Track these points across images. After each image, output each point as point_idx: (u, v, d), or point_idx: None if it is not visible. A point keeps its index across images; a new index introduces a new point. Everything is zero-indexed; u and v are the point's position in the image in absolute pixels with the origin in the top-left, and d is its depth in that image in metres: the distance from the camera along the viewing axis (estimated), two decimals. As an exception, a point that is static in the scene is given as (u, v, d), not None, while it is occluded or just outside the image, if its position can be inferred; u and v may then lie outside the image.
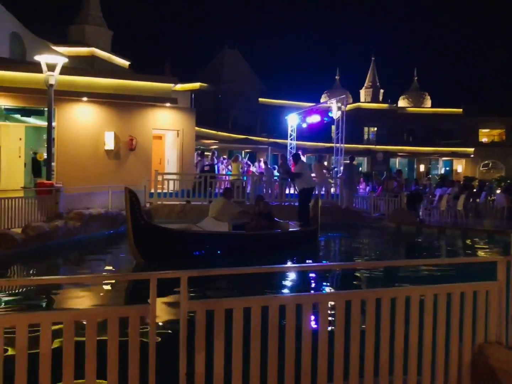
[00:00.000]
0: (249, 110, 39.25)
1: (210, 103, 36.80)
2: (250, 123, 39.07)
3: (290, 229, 10.99)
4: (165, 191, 15.21)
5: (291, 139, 23.15)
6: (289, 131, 23.16)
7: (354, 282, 7.89)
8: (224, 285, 7.37)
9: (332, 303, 2.99)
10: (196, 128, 20.11)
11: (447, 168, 42.92)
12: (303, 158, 17.33)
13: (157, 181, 15.04)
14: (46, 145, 17.93)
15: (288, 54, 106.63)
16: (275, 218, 11.01)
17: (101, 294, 6.91)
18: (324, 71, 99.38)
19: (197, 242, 9.36)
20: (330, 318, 3.05)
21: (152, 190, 15.14)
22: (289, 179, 13.89)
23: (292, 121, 22.83)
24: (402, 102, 46.66)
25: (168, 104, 17.82)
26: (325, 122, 21.13)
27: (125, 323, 2.56)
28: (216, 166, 19.62)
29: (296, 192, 14.08)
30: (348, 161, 17.74)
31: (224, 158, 24.34)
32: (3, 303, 6.13)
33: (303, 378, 2.84)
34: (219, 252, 9.36)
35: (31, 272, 8.37)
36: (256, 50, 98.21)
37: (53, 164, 14.80)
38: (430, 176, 39.51)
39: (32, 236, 9.58)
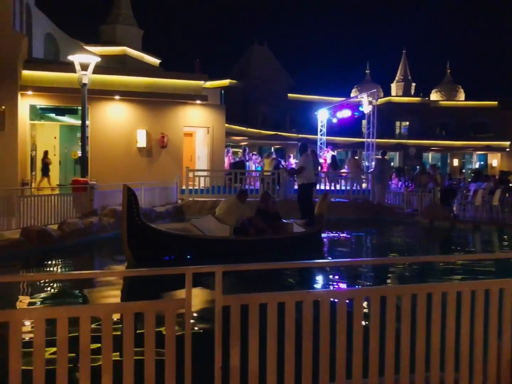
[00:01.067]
0: (279, 106, 39.17)
1: (239, 99, 36.90)
2: (280, 119, 38.99)
3: (294, 232, 10.03)
4: (196, 187, 15.36)
5: (321, 135, 23.02)
6: (319, 126, 23.03)
7: (388, 279, 7.80)
8: (248, 280, 7.32)
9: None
10: (226, 124, 20.21)
11: (482, 163, 41.89)
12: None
13: (188, 178, 15.20)
14: (80, 143, 18.44)
15: (317, 48, 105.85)
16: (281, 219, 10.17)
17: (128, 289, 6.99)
18: (354, 65, 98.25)
19: (194, 246, 8.53)
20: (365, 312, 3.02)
21: (184, 187, 15.32)
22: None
23: (322, 116, 22.69)
24: (434, 96, 45.74)
25: (198, 101, 17.96)
26: (356, 116, 20.93)
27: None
28: (246, 163, 19.67)
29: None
30: (380, 156, 17.53)
31: (253, 154, 24.37)
32: (43, 297, 6.30)
33: (338, 373, 2.82)
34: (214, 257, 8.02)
35: (66, 267, 8.59)
36: (285, 46, 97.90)
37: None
38: (464, 170, 38.67)
39: (68, 232, 9.80)
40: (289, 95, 41.28)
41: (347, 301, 2.88)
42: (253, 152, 26.86)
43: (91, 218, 10.70)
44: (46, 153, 17.21)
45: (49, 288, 6.78)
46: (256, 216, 9.71)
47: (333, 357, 2.84)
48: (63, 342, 2.43)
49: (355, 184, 17.19)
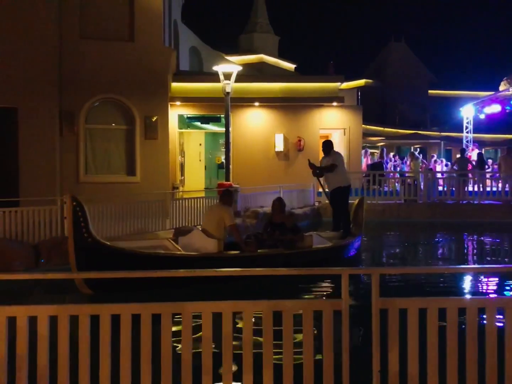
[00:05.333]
0: (418, 104, 37.46)
1: (376, 99, 36.02)
2: (419, 117, 37.25)
3: (313, 247, 8.04)
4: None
5: (466, 132, 21.54)
6: (464, 123, 21.58)
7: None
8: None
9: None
10: (362, 125, 19.86)
11: None
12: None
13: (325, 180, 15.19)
14: (222, 149, 19.44)
15: (460, 41, 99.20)
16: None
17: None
18: (502, 56, 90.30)
19: (164, 266, 6.33)
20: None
21: (320, 190, 15.33)
22: (315, 175, 10.25)
23: (467, 112, 21.23)
24: None
25: (334, 103, 17.90)
26: (507, 111, 19.22)
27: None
28: (384, 164, 19.13)
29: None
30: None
31: (394, 155, 23.62)
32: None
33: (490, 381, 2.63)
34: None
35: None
36: (424, 40, 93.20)
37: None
38: None
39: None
40: (430, 91, 39.26)
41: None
42: (391, 153, 26.04)
43: (235, 220, 11.22)
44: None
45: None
46: (266, 231, 7.99)
47: (482, 364, 2.64)
48: (228, 336, 2.58)
49: (506, 185, 15.76)
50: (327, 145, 9.97)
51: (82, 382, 2.56)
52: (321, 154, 18.56)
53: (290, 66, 28.74)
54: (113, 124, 14.64)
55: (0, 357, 2.53)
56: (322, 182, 10.61)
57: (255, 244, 7.55)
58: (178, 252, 7.13)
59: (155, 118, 14.65)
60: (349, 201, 10.03)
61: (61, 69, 13.33)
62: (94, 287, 6.20)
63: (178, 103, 16.91)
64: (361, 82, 36.92)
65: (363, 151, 19.86)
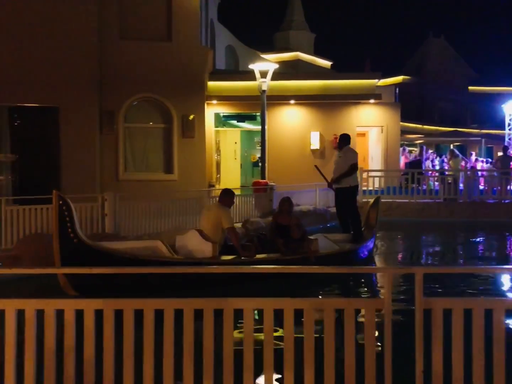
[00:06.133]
0: (457, 101, 36.58)
1: (414, 96, 35.35)
2: (459, 114, 36.39)
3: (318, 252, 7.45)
4: (370, 188, 15.14)
5: (509, 129, 20.90)
6: (506, 121, 20.96)
7: None
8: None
9: None
10: (400, 123, 19.53)
11: None
12: None
13: (362, 179, 15.04)
14: (257, 147, 19.47)
15: (501, 36, 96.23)
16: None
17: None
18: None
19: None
20: None
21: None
22: (329, 187, 9.53)
23: (510, 109, 20.60)
24: None
25: (372, 101, 17.67)
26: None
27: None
28: (423, 162, 18.77)
29: None
30: None
31: (432, 153, 23.14)
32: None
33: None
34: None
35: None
36: (464, 36, 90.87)
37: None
38: None
39: (251, 230, 10.43)
40: (470, 88, 38.28)
41: None
42: (430, 151, 25.54)
43: (270, 218, 11.22)
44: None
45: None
46: (271, 233, 7.60)
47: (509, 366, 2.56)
48: (269, 331, 2.59)
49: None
50: (343, 139, 9.41)
51: (126, 375, 2.62)
52: (358, 152, 18.44)
53: (326, 63, 28.55)
54: (151, 123, 14.88)
55: (50, 348, 2.61)
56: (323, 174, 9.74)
57: (254, 248, 7.07)
58: (167, 256, 6.70)
59: (192, 116, 14.81)
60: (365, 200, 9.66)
61: (101, 69, 13.64)
62: (79, 288, 5.87)
63: (214, 101, 17.03)
64: (399, 78, 36.29)
65: (400, 149, 19.53)
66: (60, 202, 5.81)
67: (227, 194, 7.53)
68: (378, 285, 7.13)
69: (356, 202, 9.21)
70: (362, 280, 7.35)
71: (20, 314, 2.67)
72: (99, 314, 2.64)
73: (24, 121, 13.37)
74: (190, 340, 2.60)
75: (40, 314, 2.65)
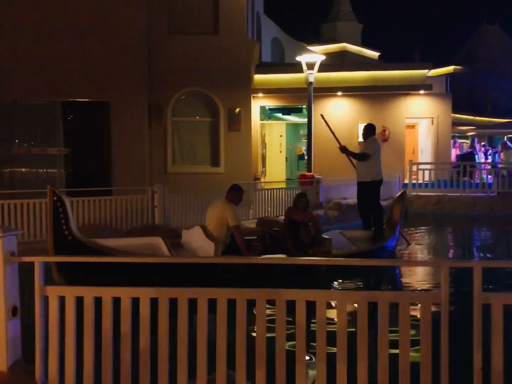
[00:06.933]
0: (512, 91, 35.08)
1: (465, 86, 34.16)
2: (513, 105, 34.88)
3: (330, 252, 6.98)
4: (420, 181, 14.79)
5: None
6: None
7: None
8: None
9: None
10: (452, 114, 18.93)
11: None
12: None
13: (412, 171, 14.72)
14: (303, 140, 19.36)
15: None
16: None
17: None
18: None
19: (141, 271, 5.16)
20: None
21: (406, 181, 14.90)
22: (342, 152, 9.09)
23: None
24: None
25: (422, 91, 17.21)
26: None
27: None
28: (476, 154, 18.16)
29: None
30: None
31: (483, 145, 22.34)
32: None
33: None
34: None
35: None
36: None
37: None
38: None
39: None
40: (527, 76, 36.62)
41: None
42: (482, 143, 24.67)
43: (317, 211, 11.16)
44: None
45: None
46: (285, 230, 7.19)
47: None
48: (322, 323, 2.57)
49: None
50: (367, 129, 9.06)
51: (180, 362, 2.66)
52: (407, 144, 18.03)
53: (374, 54, 28.02)
54: (198, 117, 15.04)
55: (107, 334, 2.70)
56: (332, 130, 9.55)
57: (260, 249, 6.73)
58: (166, 256, 6.25)
59: (238, 110, 14.87)
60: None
61: (150, 64, 13.89)
62: (72, 281, 5.38)
63: (260, 94, 17.01)
64: (449, 68, 35.14)
65: (451, 141, 18.95)
66: (55, 198, 5.53)
67: (234, 190, 7.08)
68: (403, 280, 6.95)
69: (379, 197, 8.67)
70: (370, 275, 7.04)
71: (79, 301, 2.76)
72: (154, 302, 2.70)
73: (76, 115, 13.81)
74: (242, 329, 2.61)
75: (98, 301, 2.74)
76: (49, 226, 5.71)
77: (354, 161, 9.16)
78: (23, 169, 13.36)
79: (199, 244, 6.60)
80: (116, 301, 2.73)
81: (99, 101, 13.24)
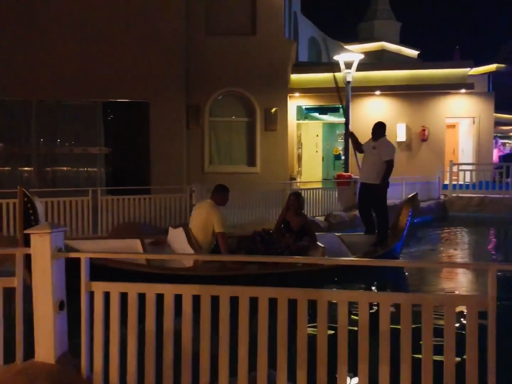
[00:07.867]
0: (558, 89, 33.79)
1: (509, 85, 33.15)
2: (560, 104, 33.61)
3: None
4: (460, 182, 14.46)
5: None
6: None
7: None
8: None
9: None
10: (494, 113, 18.41)
11: None
12: None
13: (452, 172, 14.39)
14: (339, 140, 19.20)
15: None
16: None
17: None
18: None
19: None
20: None
21: (447, 182, 14.58)
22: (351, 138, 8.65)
23: None
24: None
25: (463, 90, 16.79)
26: None
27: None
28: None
29: None
30: None
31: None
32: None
33: None
34: None
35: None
36: None
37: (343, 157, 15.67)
38: None
39: (334, 224, 10.35)
40: None
41: None
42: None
43: (354, 212, 11.04)
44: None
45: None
46: (278, 230, 6.76)
47: None
48: (365, 325, 2.55)
49: None
50: (378, 127, 8.40)
51: (221, 358, 2.69)
52: (448, 144, 17.63)
53: (412, 52, 27.56)
54: (234, 117, 15.12)
55: (150, 330, 2.75)
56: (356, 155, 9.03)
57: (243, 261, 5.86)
58: (141, 262, 5.83)
59: (274, 109, 14.87)
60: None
61: (188, 65, 14.04)
62: None
63: (296, 94, 16.96)
64: (492, 67, 34.19)
65: (493, 141, 18.43)
66: (25, 199, 5.08)
67: (219, 191, 6.54)
68: (408, 283, 6.74)
69: (386, 200, 8.15)
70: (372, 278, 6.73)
71: (123, 297, 2.82)
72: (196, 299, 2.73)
73: (116, 116, 14.10)
74: (283, 329, 2.62)
75: (141, 297, 2.79)
76: (19, 228, 5.19)
77: (360, 160, 8.75)
78: (65, 168, 13.74)
79: (181, 245, 6.10)
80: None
81: (139, 102, 13.48)
